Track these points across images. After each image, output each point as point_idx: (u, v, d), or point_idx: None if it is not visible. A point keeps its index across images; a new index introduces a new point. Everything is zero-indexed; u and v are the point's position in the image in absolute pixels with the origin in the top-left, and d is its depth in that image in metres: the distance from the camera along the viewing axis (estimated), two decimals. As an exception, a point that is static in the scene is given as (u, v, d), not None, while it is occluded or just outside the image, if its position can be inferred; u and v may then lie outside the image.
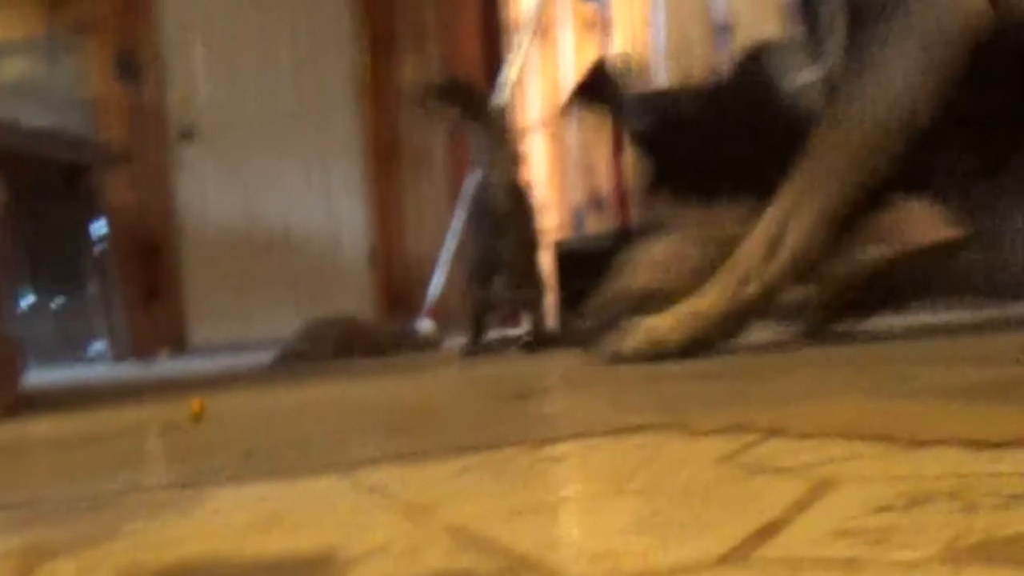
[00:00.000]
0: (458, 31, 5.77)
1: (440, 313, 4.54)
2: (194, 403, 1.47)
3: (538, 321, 3.08)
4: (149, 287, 5.73)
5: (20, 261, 5.27)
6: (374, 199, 6.08)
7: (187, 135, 5.86)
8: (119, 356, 4.95)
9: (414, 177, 5.83)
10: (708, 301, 1.78)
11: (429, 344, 3.91)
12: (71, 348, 5.25)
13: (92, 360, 5.05)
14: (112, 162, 5.19)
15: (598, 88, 2.27)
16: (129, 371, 4.10)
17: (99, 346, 5.09)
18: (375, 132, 6.03)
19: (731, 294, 1.72)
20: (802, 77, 1.86)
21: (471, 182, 3.23)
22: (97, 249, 5.08)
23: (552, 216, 4.94)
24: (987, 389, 1.01)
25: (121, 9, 5.69)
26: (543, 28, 4.94)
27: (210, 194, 5.94)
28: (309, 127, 6.06)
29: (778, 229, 1.65)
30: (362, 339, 3.85)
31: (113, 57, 5.66)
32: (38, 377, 4.05)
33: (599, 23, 4.35)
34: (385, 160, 6.02)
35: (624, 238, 3.68)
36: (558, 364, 2.25)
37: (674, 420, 1.02)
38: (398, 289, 5.83)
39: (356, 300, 5.74)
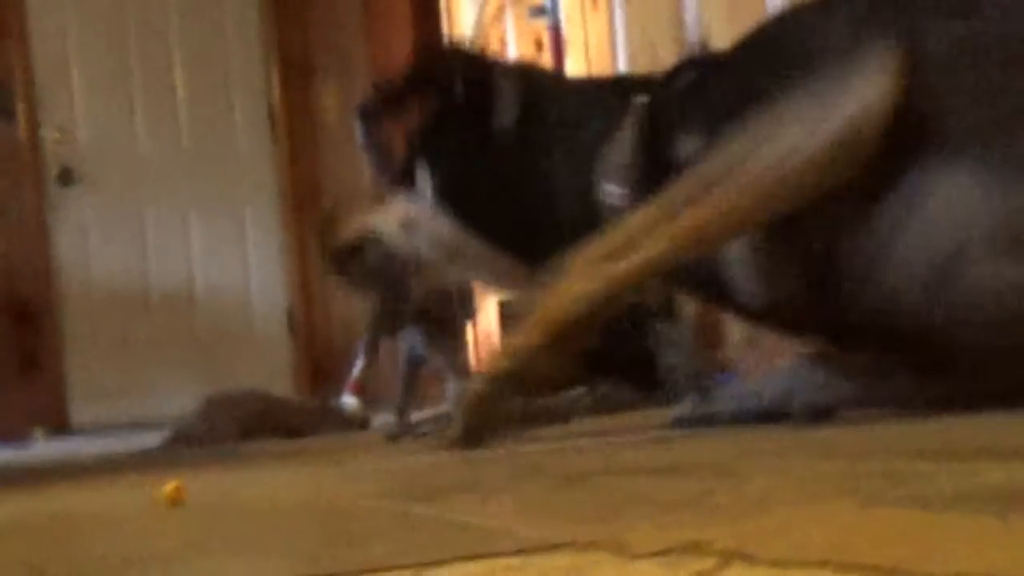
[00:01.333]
0: (388, 54, 5.74)
1: (367, 388, 4.50)
2: (169, 486, 1.43)
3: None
4: (22, 356, 5.62)
5: None
6: (292, 252, 6.05)
7: (66, 178, 5.78)
8: None
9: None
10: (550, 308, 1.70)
11: (355, 424, 3.87)
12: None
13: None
14: (-24, 209, 5.06)
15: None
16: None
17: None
18: (292, 173, 6.03)
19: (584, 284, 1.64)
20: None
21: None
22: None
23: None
24: (1018, 495, 0.90)
25: (-14, 31, 5.61)
26: (486, 49, 4.92)
27: (95, 247, 5.86)
28: (213, 168, 6.03)
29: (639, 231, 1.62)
30: (274, 418, 3.83)
31: None
32: None
33: (551, 43, 4.33)
34: (304, 206, 5.98)
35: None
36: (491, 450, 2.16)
37: (609, 535, 0.89)
38: (320, 359, 5.77)
39: (271, 372, 5.69)
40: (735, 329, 3.50)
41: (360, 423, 3.92)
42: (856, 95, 1.46)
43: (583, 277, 1.61)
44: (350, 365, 5.47)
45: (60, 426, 5.58)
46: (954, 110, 1.46)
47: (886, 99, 1.43)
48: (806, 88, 1.50)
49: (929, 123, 1.45)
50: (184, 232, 5.99)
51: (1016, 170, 1.41)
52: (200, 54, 6.03)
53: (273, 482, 1.86)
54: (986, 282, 1.42)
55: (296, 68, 6.05)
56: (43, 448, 4.49)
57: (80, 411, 5.74)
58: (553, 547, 0.86)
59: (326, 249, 2.22)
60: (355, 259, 2.15)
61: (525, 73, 2.05)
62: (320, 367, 5.71)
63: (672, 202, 1.57)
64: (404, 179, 2.06)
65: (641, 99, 1.82)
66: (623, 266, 1.59)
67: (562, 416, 2.81)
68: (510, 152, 1.95)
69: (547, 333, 1.64)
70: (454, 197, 2.01)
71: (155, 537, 1.25)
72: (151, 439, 3.70)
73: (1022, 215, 1.40)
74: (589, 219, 1.77)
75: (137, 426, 5.05)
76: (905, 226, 1.47)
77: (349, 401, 4.22)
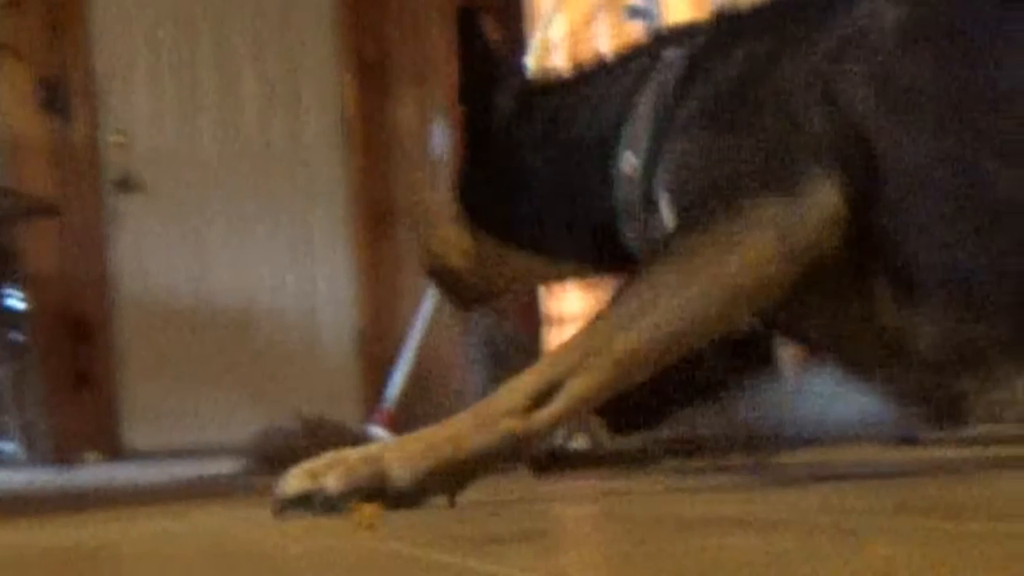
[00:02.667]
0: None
1: (397, 419, 4.58)
2: (368, 508, 1.55)
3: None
4: (75, 375, 5.66)
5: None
6: (362, 269, 6.05)
7: (126, 184, 5.82)
8: (35, 459, 4.94)
9: (413, 242, 5.75)
10: (451, 433, 1.74)
11: None
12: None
13: (1, 463, 4.99)
14: (32, 215, 5.18)
15: None
16: (43, 478, 4.05)
17: (10, 446, 5.03)
18: (364, 185, 6.03)
19: (485, 430, 1.72)
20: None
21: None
22: (10, 325, 5.00)
23: (586, 297, 4.79)
24: None
25: (48, 27, 5.69)
26: (577, 54, 4.90)
27: (153, 258, 5.90)
28: (281, 177, 6.06)
29: (557, 374, 1.73)
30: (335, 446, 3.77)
31: (35, 85, 5.66)
32: None
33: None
34: (376, 220, 6.01)
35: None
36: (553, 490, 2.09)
37: None
38: (405, 387, 5.72)
39: (336, 397, 5.66)
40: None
41: None
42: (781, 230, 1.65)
43: (484, 429, 1.70)
44: (424, 387, 5.47)
45: (112, 450, 5.62)
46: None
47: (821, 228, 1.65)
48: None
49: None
50: (248, 245, 6.03)
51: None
52: (271, 57, 6.07)
53: (315, 525, 1.78)
54: None
55: (372, 74, 6.06)
56: (94, 472, 4.48)
57: (133, 434, 5.78)
58: None
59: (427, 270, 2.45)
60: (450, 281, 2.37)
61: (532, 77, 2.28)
62: (413, 397, 5.67)
63: (600, 331, 1.72)
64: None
65: (669, 55, 1.97)
66: (540, 417, 1.71)
67: (644, 458, 2.74)
68: (527, 153, 2.13)
69: (432, 464, 1.70)
70: (485, 207, 2.21)
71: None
72: (206, 466, 3.75)
73: None
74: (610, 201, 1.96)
75: (192, 452, 5.12)
76: None
77: (377, 432, 4.22)
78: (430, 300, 4.72)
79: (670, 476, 2.39)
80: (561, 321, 4.89)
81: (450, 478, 1.69)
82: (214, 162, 5.98)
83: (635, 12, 4.29)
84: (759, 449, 2.99)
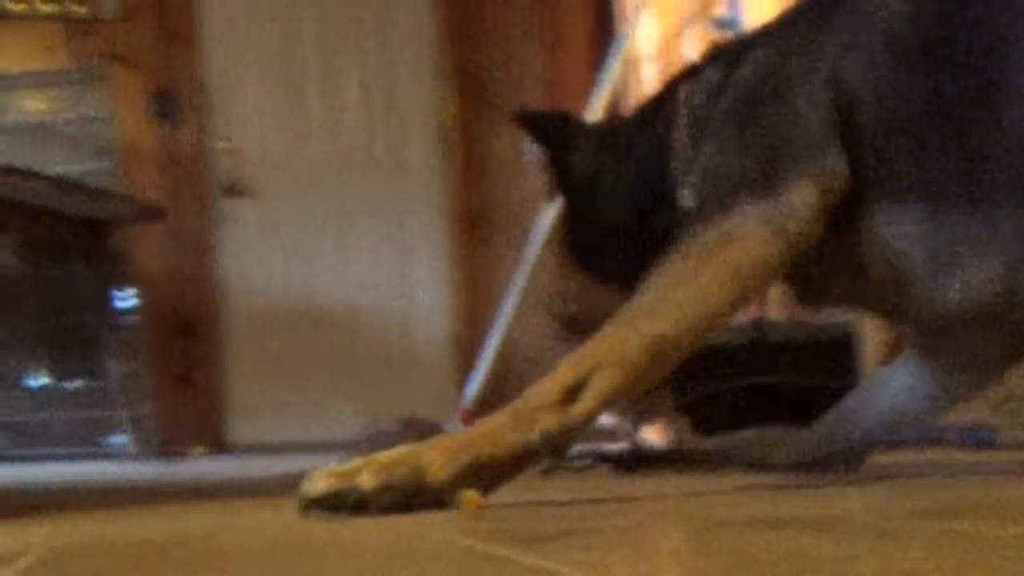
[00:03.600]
0: (563, 73, 5.71)
1: (478, 417, 4.53)
2: (468, 497, 1.59)
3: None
4: (182, 372, 5.75)
5: (29, 333, 5.27)
6: (458, 275, 6.07)
7: (233, 190, 5.90)
8: (143, 452, 4.94)
9: (509, 249, 5.73)
10: (487, 431, 1.76)
11: None
12: (87, 440, 5.24)
13: (110, 455, 5.02)
14: (142, 219, 5.20)
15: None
16: (150, 470, 4.14)
17: (120, 440, 5.03)
18: (461, 193, 6.04)
19: (522, 427, 1.75)
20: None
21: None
22: (121, 323, 5.04)
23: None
24: None
25: (160, 38, 5.79)
26: (667, 66, 4.87)
27: (258, 261, 5.97)
28: (381, 185, 6.08)
29: (587, 367, 1.79)
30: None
31: (148, 93, 5.74)
32: (38, 473, 4.09)
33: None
34: (473, 227, 6.03)
35: (758, 332, 3.49)
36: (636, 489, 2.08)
37: None
38: (485, 386, 5.70)
39: (433, 399, 5.59)
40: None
41: None
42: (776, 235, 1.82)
43: (520, 426, 1.73)
44: (519, 390, 5.48)
45: (217, 444, 5.70)
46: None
47: (812, 224, 1.82)
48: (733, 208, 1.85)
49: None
50: (349, 249, 6.06)
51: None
52: (373, 68, 6.10)
53: (386, 518, 1.81)
54: None
55: (470, 85, 6.07)
56: (198, 466, 4.52)
57: (237, 429, 5.84)
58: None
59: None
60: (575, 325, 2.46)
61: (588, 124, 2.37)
62: (484, 394, 5.64)
63: (623, 326, 1.81)
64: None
65: (707, 74, 2.08)
66: (575, 411, 1.75)
67: (717, 460, 2.72)
68: (598, 192, 2.23)
69: (469, 461, 1.71)
70: (585, 254, 2.33)
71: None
72: (310, 462, 3.76)
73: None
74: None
75: (294, 447, 5.14)
76: None
77: (458, 429, 4.20)
78: (511, 304, 4.75)
79: (749, 476, 2.38)
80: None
81: (486, 475, 1.69)
82: (318, 169, 6.03)
83: (721, 22, 4.25)
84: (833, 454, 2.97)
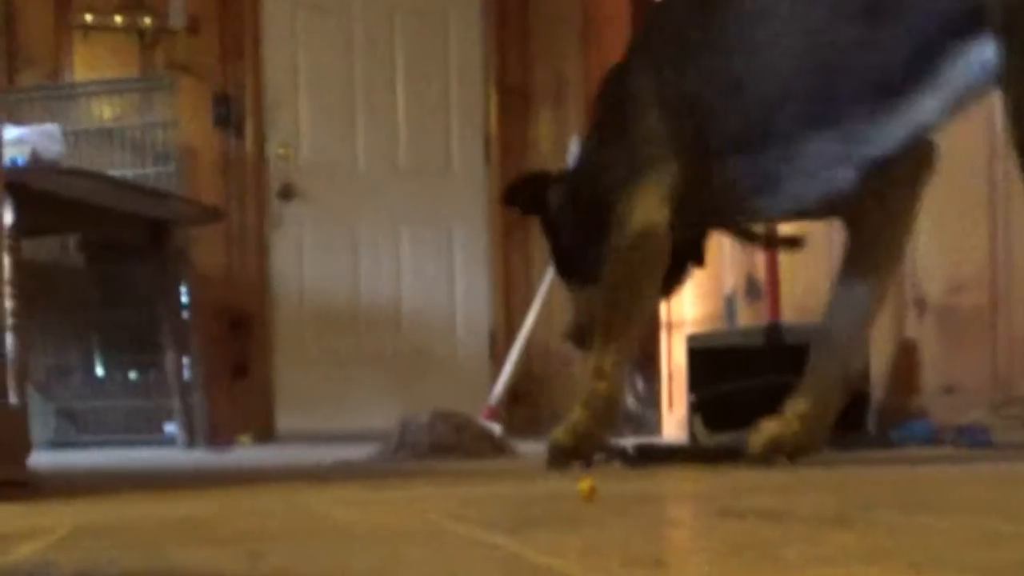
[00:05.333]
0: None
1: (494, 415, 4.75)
2: (585, 483, 1.72)
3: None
4: (234, 365, 5.83)
5: (92, 326, 5.38)
6: (498, 276, 6.15)
7: (287, 192, 6.00)
8: (195, 440, 4.98)
9: (543, 255, 5.76)
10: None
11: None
12: (143, 428, 5.31)
13: (164, 443, 5.08)
14: (202, 220, 5.28)
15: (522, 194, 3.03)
16: (197, 458, 4.20)
17: (172, 428, 5.11)
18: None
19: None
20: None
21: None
22: (179, 318, 5.13)
23: (698, 305, 4.80)
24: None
25: (222, 49, 5.91)
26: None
27: (309, 261, 6.06)
28: (427, 189, 6.17)
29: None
30: (462, 440, 3.88)
31: (210, 102, 5.86)
32: (95, 458, 4.16)
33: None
34: (513, 231, 6.06)
35: (773, 335, 3.54)
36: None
37: None
38: (519, 385, 5.73)
39: (470, 394, 5.60)
40: (933, 376, 3.39)
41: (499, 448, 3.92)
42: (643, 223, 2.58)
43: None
44: (552, 389, 5.49)
45: (266, 433, 5.79)
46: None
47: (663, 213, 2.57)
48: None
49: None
50: (395, 251, 6.15)
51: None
52: (421, 78, 6.19)
53: (383, 502, 1.87)
54: None
55: (514, 95, 6.16)
56: (247, 454, 4.58)
57: (285, 419, 5.92)
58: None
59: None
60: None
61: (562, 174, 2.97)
62: (518, 393, 5.68)
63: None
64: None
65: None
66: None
67: (736, 453, 2.75)
68: (570, 224, 2.83)
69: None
70: (569, 267, 2.92)
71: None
72: (349, 451, 3.86)
73: None
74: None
75: (338, 437, 5.22)
76: None
77: (491, 426, 4.26)
78: (535, 309, 4.97)
79: (749, 471, 2.41)
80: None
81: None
82: (367, 174, 6.11)
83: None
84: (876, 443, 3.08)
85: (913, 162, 2.49)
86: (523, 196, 3.00)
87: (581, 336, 2.92)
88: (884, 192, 2.51)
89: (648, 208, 2.57)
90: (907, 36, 2.18)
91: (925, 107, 2.24)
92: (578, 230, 2.81)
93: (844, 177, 2.42)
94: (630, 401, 5.17)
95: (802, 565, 0.94)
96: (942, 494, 1.73)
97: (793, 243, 3.20)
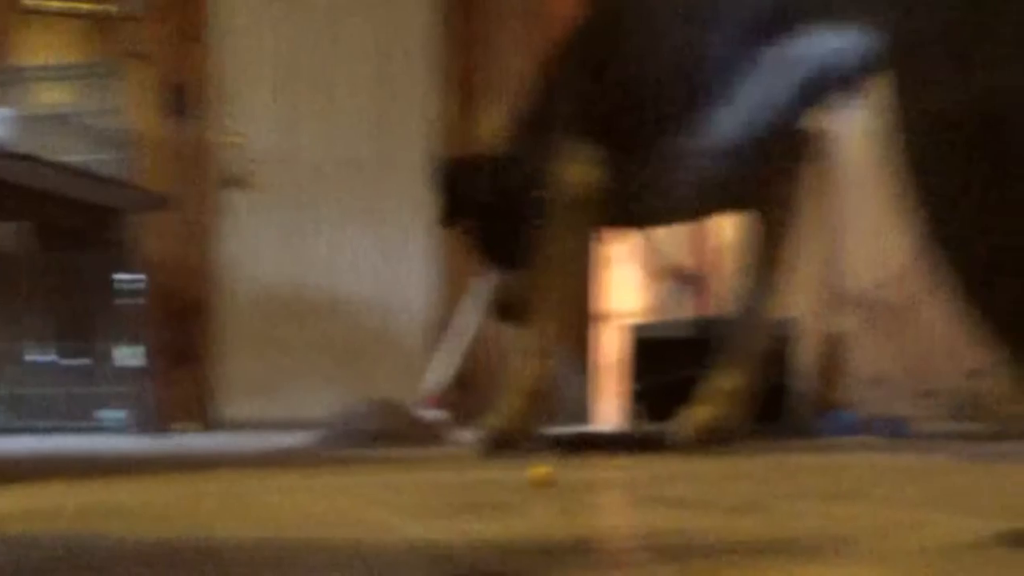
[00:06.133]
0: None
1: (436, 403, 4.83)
2: (540, 470, 1.76)
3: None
4: (179, 352, 5.80)
5: (39, 313, 5.33)
6: (441, 269, 6.17)
7: (237, 182, 5.99)
8: (137, 426, 4.94)
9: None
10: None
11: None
12: (82, 415, 5.26)
13: (103, 430, 5.04)
14: (151, 207, 5.24)
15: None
16: (145, 444, 4.20)
17: (115, 414, 5.06)
18: None
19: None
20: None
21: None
22: (125, 305, 5.08)
23: (638, 296, 4.83)
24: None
25: (174, 36, 5.87)
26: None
27: (255, 249, 6.06)
28: (372, 179, 6.19)
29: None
30: (399, 428, 3.90)
31: (160, 89, 5.83)
32: (37, 444, 4.14)
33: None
34: None
35: (715, 326, 3.58)
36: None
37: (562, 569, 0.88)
38: (465, 371, 5.72)
39: (411, 384, 5.58)
40: (860, 367, 3.43)
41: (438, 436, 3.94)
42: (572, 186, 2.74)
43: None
44: (494, 380, 5.49)
45: (206, 421, 5.78)
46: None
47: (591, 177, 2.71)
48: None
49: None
50: (339, 240, 6.15)
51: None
52: (369, 70, 6.20)
53: (314, 489, 1.88)
54: None
55: (459, 87, 6.17)
56: (189, 440, 4.57)
57: (230, 407, 5.91)
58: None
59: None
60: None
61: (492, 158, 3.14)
62: (463, 381, 5.66)
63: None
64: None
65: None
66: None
67: (658, 442, 2.78)
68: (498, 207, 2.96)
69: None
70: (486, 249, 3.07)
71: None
72: (291, 438, 3.90)
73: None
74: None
75: (282, 425, 5.21)
76: None
77: (430, 414, 4.27)
78: (471, 299, 4.98)
79: (678, 459, 2.43)
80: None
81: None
82: (314, 165, 6.12)
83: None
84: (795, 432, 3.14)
85: (789, 151, 2.64)
86: (449, 178, 3.15)
87: (504, 313, 3.02)
88: (768, 181, 2.70)
89: (580, 172, 2.71)
90: (731, 36, 2.42)
91: (754, 96, 2.46)
92: (506, 213, 2.90)
93: (708, 169, 2.61)
94: (565, 388, 5.19)
95: (709, 552, 0.96)
96: (857, 484, 1.76)
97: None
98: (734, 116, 2.49)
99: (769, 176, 2.73)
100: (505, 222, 2.93)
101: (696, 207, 2.90)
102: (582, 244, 2.77)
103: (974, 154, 0.96)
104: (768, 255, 2.79)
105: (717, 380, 2.74)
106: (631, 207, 2.78)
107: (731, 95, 2.45)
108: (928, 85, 1.00)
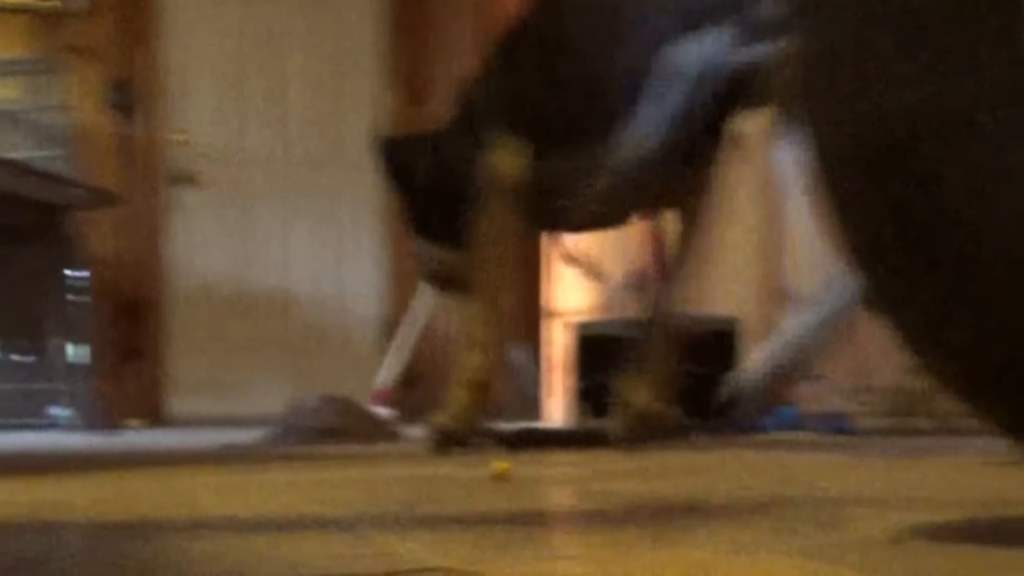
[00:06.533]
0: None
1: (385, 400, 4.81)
2: (500, 465, 1.80)
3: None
4: (126, 349, 5.77)
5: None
6: (391, 265, 6.16)
7: (183, 179, 5.96)
8: (83, 423, 4.90)
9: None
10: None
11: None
12: (30, 411, 5.21)
13: (51, 426, 5.01)
14: (96, 204, 5.21)
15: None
16: (92, 441, 4.15)
17: (61, 411, 5.03)
18: None
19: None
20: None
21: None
22: (71, 302, 5.05)
23: (586, 294, 4.87)
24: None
25: (119, 32, 5.83)
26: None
27: (203, 246, 6.04)
28: (321, 178, 6.18)
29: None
30: (349, 425, 3.90)
31: (105, 85, 5.79)
32: None
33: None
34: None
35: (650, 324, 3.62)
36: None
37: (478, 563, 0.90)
38: (413, 368, 5.73)
39: (363, 379, 5.51)
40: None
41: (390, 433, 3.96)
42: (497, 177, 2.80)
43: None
44: (445, 374, 5.51)
45: (157, 417, 5.74)
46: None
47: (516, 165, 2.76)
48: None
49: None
50: (287, 238, 6.15)
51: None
52: (317, 67, 6.20)
53: (259, 486, 1.89)
54: None
55: (409, 84, 6.18)
56: (137, 438, 4.54)
57: (177, 403, 5.89)
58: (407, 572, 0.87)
59: None
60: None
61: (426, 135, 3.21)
62: (411, 378, 5.68)
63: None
64: None
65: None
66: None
67: (601, 439, 2.81)
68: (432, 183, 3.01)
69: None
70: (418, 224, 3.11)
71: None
72: (238, 435, 3.86)
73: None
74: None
75: (229, 422, 5.21)
76: None
77: (381, 410, 4.28)
78: (422, 295, 4.98)
79: (624, 456, 2.46)
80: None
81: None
82: (262, 162, 6.11)
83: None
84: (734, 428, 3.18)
85: (705, 153, 2.75)
86: (390, 154, 3.19)
87: (443, 284, 3.12)
88: (685, 182, 2.80)
89: (507, 163, 2.79)
90: (650, 40, 2.53)
91: (670, 99, 2.56)
92: (439, 189, 2.97)
93: (627, 172, 2.67)
94: (520, 382, 5.24)
95: (638, 546, 0.99)
96: (794, 479, 1.80)
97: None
98: (651, 119, 2.57)
99: (686, 177, 2.79)
100: (440, 199, 2.98)
101: (617, 209, 2.94)
102: (511, 232, 2.82)
103: (884, 181, 0.94)
104: (683, 254, 2.87)
105: (640, 376, 2.81)
106: (557, 206, 2.84)
107: (648, 98, 2.54)
108: (837, 106, 0.98)
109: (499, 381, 2.93)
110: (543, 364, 5.28)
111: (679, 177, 2.78)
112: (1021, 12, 0.91)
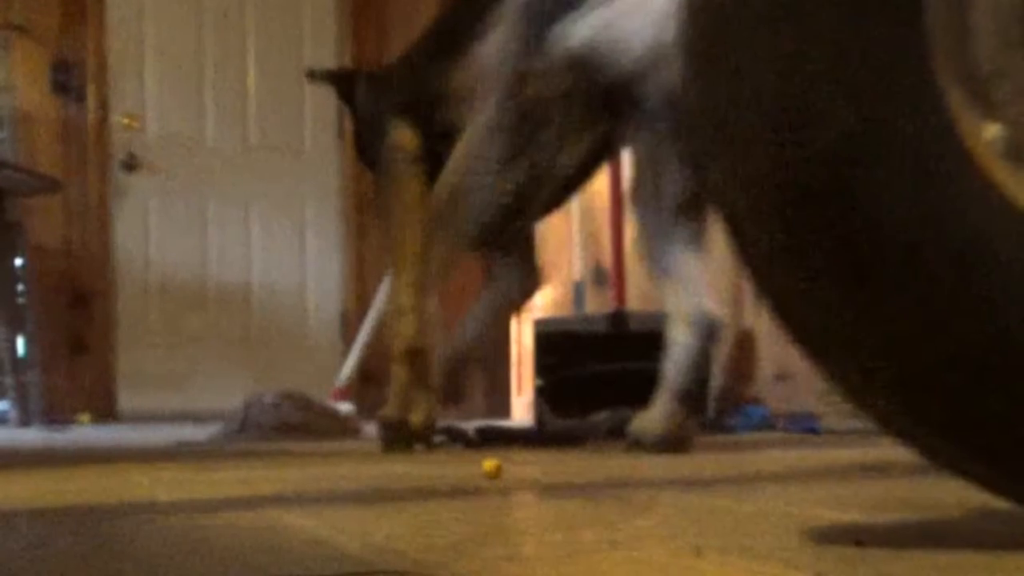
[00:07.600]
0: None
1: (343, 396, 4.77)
2: (491, 463, 1.82)
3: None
4: (74, 340, 5.71)
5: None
6: (350, 256, 6.14)
7: (131, 165, 5.90)
8: (29, 419, 4.88)
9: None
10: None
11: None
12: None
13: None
14: (38, 189, 5.16)
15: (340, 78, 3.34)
16: (36, 437, 4.12)
17: (5, 407, 5.01)
18: (354, 178, 6.09)
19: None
20: None
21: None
22: (12, 292, 5.02)
23: (546, 291, 4.89)
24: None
25: (64, 10, 5.75)
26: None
27: (154, 236, 5.98)
28: (278, 165, 6.14)
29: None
30: (306, 421, 3.91)
31: (50, 66, 5.71)
32: None
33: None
34: (366, 210, 6.08)
35: (618, 322, 3.64)
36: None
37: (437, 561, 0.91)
38: (371, 364, 5.74)
39: (320, 375, 5.63)
40: (767, 364, 3.52)
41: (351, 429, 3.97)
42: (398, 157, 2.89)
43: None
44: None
45: (106, 412, 5.69)
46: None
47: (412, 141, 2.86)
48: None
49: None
50: (244, 228, 6.11)
51: None
52: (274, 54, 6.16)
53: (214, 482, 1.89)
54: None
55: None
56: (84, 433, 4.52)
57: (127, 399, 5.83)
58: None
59: None
60: None
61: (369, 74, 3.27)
62: (370, 373, 5.69)
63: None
64: None
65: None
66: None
67: (579, 437, 2.83)
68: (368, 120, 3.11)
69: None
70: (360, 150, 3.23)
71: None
72: (193, 431, 3.88)
73: None
74: None
75: (182, 418, 5.22)
76: None
77: (340, 406, 4.30)
78: (385, 290, 4.92)
79: (588, 455, 2.48)
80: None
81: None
82: (216, 148, 6.06)
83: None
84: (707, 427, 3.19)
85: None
86: (338, 80, 3.30)
87: (378, 210, 3.25)
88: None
89: (406, 139, 2.86)
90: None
91: None
92: (372, 129, 3.06)
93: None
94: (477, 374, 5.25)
95: (594, 546, 1.00)
96: (758, 479, 1.82)
97: None
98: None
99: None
100: (370, 134, 3.06)
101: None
102: (423, 198, 2.83)
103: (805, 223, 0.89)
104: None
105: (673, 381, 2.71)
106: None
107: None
108: (744, 146, 0.92)
109: (437, 347, 2.89)
110: (508, 361, 5.31)
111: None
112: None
